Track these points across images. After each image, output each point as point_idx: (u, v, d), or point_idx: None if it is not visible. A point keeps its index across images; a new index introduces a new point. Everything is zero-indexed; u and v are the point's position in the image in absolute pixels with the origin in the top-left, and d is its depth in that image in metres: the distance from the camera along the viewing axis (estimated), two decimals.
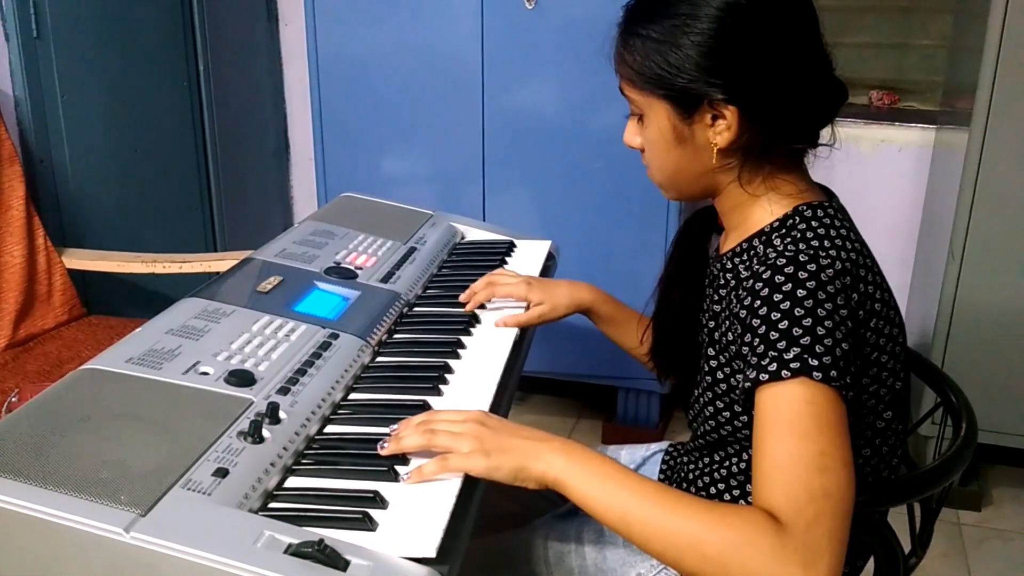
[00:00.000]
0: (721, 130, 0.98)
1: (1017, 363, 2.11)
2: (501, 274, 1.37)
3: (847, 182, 2.55)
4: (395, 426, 0.96)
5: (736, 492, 1.06)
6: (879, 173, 2.59)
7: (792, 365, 0.86)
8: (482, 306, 1.34)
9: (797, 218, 1.00)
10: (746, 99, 0.96)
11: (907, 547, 1.10)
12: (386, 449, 0.93)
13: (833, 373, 0.86)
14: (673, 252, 1.21)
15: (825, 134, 1.03)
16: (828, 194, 1.06)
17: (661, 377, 1.26)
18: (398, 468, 0.91)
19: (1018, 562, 2.08)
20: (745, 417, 1.00)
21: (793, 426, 0.85)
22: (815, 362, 0.86)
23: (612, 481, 0.87)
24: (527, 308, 1.32)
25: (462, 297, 1.34)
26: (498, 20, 2.20)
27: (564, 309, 1.32)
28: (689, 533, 0.82)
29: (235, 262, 1.35)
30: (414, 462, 0.92)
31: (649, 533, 0.84)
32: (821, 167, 1.05)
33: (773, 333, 0.89)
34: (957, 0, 2.46)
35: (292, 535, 0.76)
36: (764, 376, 0.88)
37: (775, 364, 0.87)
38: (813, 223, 0.98)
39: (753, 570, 0.79)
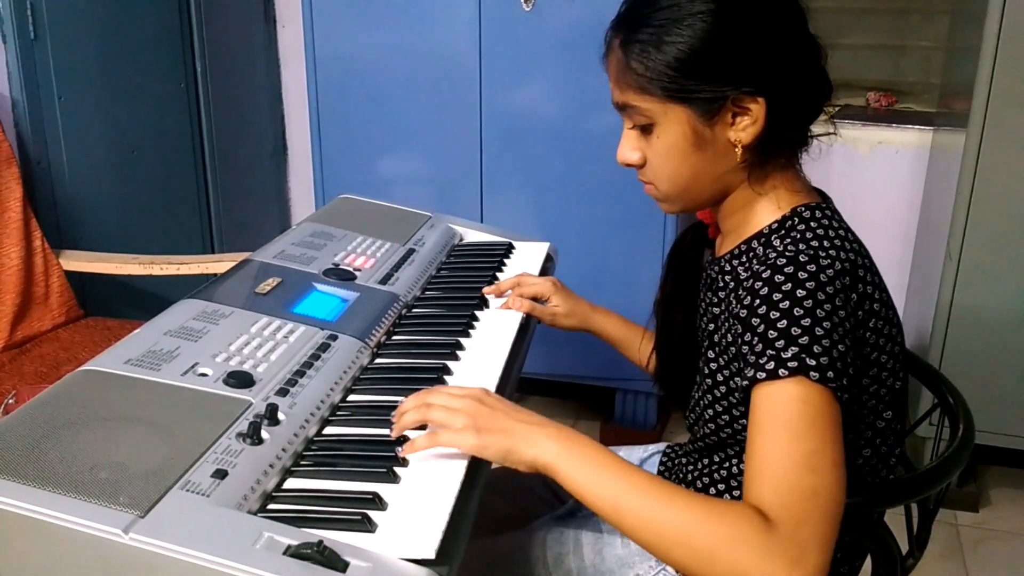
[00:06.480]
0: (745, 125, 0.97)
1: (1014, 364, 2.12)
2: (528, 274, 1.42)
3: (844, 183, 2.57)
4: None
5: (736, 493, 1.06)
6: (876, 174, 2.59)
7: (790, 364, 0.86)
8: (486, 306, 1.35)
9: (796, 219, 1.00)
10: (773, 89, 0.95)
11: (905, 548, 1.10)
12: (393, 432, 0.96)
13: (830, 374, 0.86)
14: (667, 272, 1.21)
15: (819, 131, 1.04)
16: (823, 197, 1.06)
17: (671, 401, 1.25)
18: (396, 461, 0.91)
19: (1016, 563, 2.08)
20: (745, 420, 1.00)
21: (787, 425, 0.85)
22: (812, 362, 0.86)
23: (606, 471, 0.87)
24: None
25: (486, 290, 1.37)
26: (496, 22, 2.21)
27: (575, 321, 1.37)
28: (679, 525, 0.83)
29: (233, 263, 1.35)
30: (413, 463, 0.92)
31: (640, 524, 0.85)
32: (819, 168, 1.06)
33: (772, 332, 0.89)
34: (954, 1, 2.47)
35: (291, 536, 0.76)
36: (761, 375, 0.88)
37: (773, 363, 0.87)
38: (812, 224, 0.98)
39: (740, 565, 0.79)
